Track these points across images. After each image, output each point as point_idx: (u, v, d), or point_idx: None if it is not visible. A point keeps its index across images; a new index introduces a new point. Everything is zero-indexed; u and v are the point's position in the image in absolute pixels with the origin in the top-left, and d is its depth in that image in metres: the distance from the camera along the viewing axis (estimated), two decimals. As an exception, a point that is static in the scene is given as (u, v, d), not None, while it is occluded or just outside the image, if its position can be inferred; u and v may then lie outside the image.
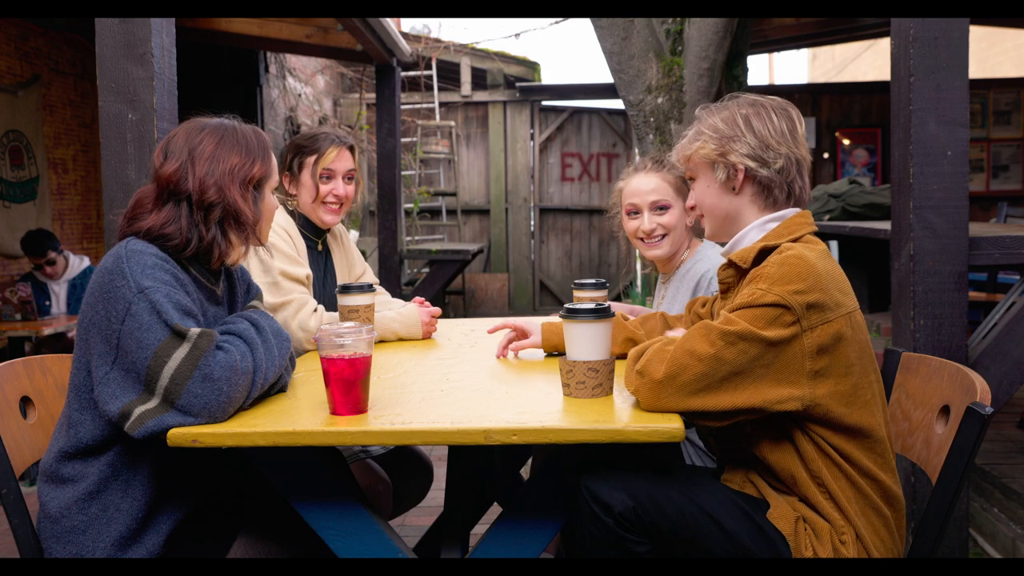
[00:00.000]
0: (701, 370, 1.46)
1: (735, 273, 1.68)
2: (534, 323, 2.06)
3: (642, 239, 2.31)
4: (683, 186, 2.28)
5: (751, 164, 1.64)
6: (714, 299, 1.88)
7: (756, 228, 1.67)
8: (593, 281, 2.30)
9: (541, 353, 2.05)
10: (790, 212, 1.66)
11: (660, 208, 2.28)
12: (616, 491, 1.50)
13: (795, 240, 1.61)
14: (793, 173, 1.66)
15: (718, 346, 1.46)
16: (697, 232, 2.35)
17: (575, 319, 1.57)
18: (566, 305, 1.60)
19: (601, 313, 1.57)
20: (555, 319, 2.02)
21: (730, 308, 1.52)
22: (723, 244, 1.77)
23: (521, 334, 2.05)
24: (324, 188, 2.37)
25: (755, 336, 1.46)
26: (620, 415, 1.48)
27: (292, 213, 2.41)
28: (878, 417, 1.59)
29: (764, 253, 1.60)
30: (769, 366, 1.48)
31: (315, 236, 2.47)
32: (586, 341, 1.57)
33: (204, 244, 1.62)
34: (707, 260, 2.24)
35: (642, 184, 2.29)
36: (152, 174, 1.66)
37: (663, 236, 2.28)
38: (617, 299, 9.03)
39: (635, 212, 2.31)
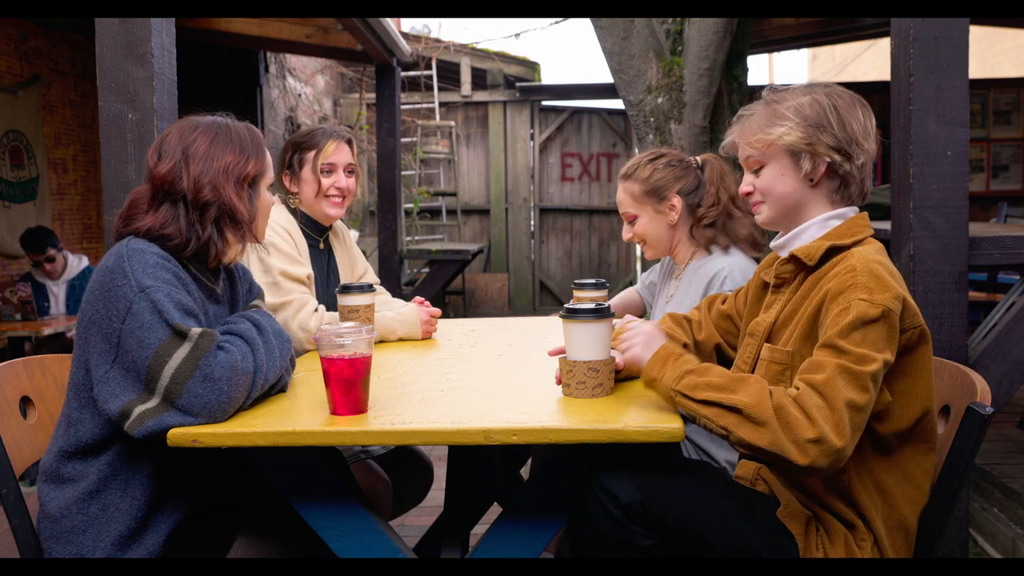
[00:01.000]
0: (863, 419, 1.42)
1: (794, 269, 1.63)
2: None
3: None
4: (643, 195, 2.28)
5: (837, 158, 1.58)
6: (737, 294, 1.84)
7: (817, 225, 1.61)
8: (593, 281, 2.30)
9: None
10: (851, 212, 1.62)
11: (631, 220, 2.34)
12: (625, 483, 1.50)
13: (859, 242, 1.57)
14: (867, 170, 1.61)
15: (871, 391, 1.41)
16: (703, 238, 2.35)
17: (575, 319, 1.57)
18: (566, 305, 1.60)
19: (600, 313, 1.57)
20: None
21: (839, 329, 1.43)
22: (773, 232, 1.72)
23: None
24: (326, 182, 2.38)
25: (887, 364, 1.43)
26: (620, 415, 1.48)
27: (294, 212, 2.41)
28: (937, 423, 1.57)
29: (831, 253, 1.56)
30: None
31: (317, 235, 2.47)
32: (586, 341, 1.57)
33: (201, 243, 1.62)
34: (721, 258, 2.24)
35: (617, 195, 2.38)
36: (147, 174, 1.65)
37: (643, 242, 2.36)
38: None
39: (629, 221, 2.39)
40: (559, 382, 1.63)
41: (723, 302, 1.88)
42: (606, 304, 1.61)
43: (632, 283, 9.96)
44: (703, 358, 1.82)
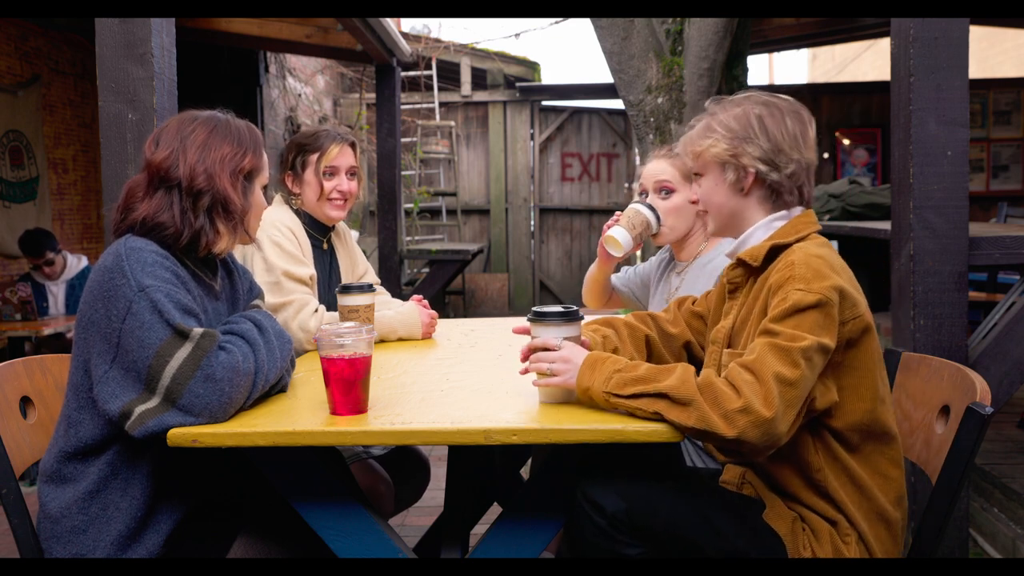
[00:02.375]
0: (795, 394, 1.42)
1: (744, 272, 1.67)
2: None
3: None
4: (692, 173, 2.30)
5: (762, 168, 1.62)
6: (707, 295, 1.86)
7: (763, 227, 1.65)
8: (651, 207, 2.29)
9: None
10: (796, 211, 1.65)
11: (664, 191, 2.31)
12: (609, 493, 1.51)
13: (802, 239, 1.60)
14: (802, 178, 1.64)
15: (801, 366, 1.42)
16: None
17: (543, 322, 1.56)
18: (533, 308, 1.60)
19: (569, 316, 1.56)
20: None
21: (774, 316, 1.47)
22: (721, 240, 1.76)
23: None
24: (328, 185, 2.39)
25: (823, 346, 1.44)
26: (620, 415, 1.48)
27: (298, 212, 2.42)
28: (893, 412, 1.59)
29: (775, 252, 1.59)
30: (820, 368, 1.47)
31: (320, 235, 2.47)
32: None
33: (192, 232, 1.61)
34: None
35: (653, 167, 2.35)
36: (143, 163, 1.65)
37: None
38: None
39: (645, 194, 2.36)
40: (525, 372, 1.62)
41: (693, 302, 1.91)
42: (574, 308, 1.60)
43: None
44: (673, 352, 1.86)
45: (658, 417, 1.44)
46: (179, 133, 1.64)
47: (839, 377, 1.51)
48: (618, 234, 2.31)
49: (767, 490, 1.60)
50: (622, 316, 1.92)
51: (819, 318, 1.45)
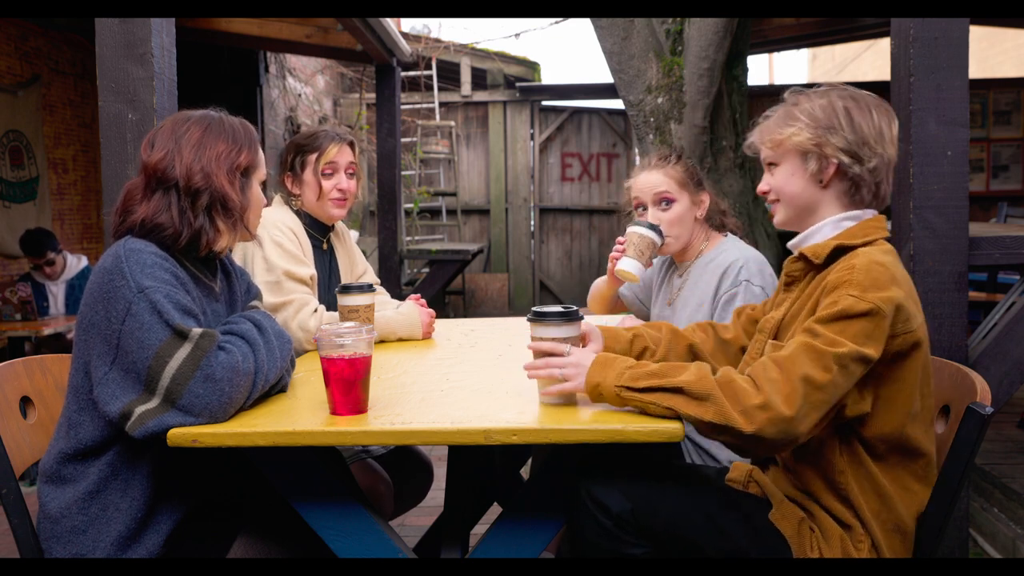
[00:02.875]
0: (822, 398, 1.41)
1: (804, 267, 1.64)
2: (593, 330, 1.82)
3: None
4: (687, 181, 2.30)
5: (845, 160, 1.58)
6: (765, 304, 1.84)
7: (831, 224, 1.62)
8: (650, 224, 2.26)
9: None
10: (867, 214, 1.62)
11: (664, 202, 2.29)
12: (614, 493, 1.50)
13: (869, 243, 1.57)
14: (882, 174, 1.61)
15: (833, 371, 1.41)
16: (714, 225, 2.36)
17: (543, 322, 1.56)
18: (533, 308, 1.60)
19: (569, 316, 1.56)
20: (612, 323, 2.01)
21: (820, 317, 1.45)
22: (791, 233, 1.72)
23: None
24: (328, 184, 2.39)
25: (863, 356, 1.42)
26: (620, 415, 1.48)
27: (298, 213, 2.42)
28: (930, 430, 1.57)
29: (838, 252, 1.57)
30: (859, 376, 1.45)
31: (320, 235, 2.48)
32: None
33: (192, 232, 1.62)
34: (735, 251, 2.24)
35: (647, 180, 2.32)
36: (139, 165, 1.66)
37: (670, 231, 2.29)
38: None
39: (642, 208, 2.33)
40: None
41: (752, 309, 1.89)
42: (574, 308, 1.60)
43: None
44: (728, 358, 1.84)
45: (671, 413, 1.43)
46: (173, 134, 1.64)
47: (877, 387, 1.49)
48: (630, 266, 2.27)
49: (775, 489, 1.60)
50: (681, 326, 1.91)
51: (867, 327, 1.42)
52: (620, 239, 2.36)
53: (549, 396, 1.56)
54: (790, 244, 1.70)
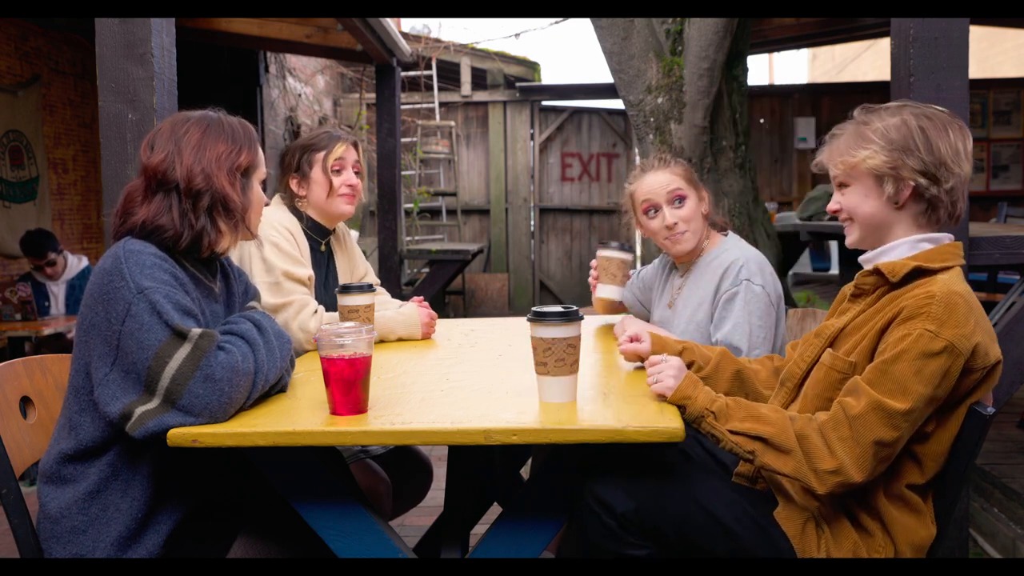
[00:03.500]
0: (889, 453, 1.44)
1: (877, 282, 1.60)
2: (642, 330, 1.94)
3: (667, 237, 2.29)
4: (693, 178, 2.30)
5: (923, 182, 1.54)
6: (831, 313, 1.76)
7: (908, 244, 1.58)
8: (618, 244, 2.31)
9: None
10: (945, 237, 1.58)
11: (678, 200, 2.26)
12: (618, 492, 1.50)
13: (947, 268, 1.54)
14: (959, 193, 1.57)
15: (902, 429, 1.42)
16: (715, 225, 2.36)
17: (543, 323, 1.55)
18: (533, 308, 1.59)
19: (569, 316, 1.55)
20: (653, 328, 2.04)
21: (896, 352, 1.43)
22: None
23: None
24: (337, 180, 2.41)
25: (932, 399, 1.43)
26: (620, 415, 1.48)
27: (300, 215, 2.42)
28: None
29: (916, 274, 1.53)
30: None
31: (320, 237, 2.48)
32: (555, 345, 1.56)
33: (194, 233, 1.62)
34: (735, 250, 2.23)
35: (655, 180, 2.28)
36: (139, 167, 1.66)
37: (684, 230, 2.27)
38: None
39: (654, 210, 2.28)
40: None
41: (816, 335, 1.80)
42: (574, 308, 1.60)
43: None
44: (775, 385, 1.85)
45: (750, 456, 1.50)
46: (173, 135, 1.64)
47: (942, 413, 1.49)
48: (608, 292, 2.38)
49: (781, 486, 1.59)
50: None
51: (941, 366, 1.41)
52: (593, 262, 2.39)
53: (544, 391, 1.57)
54: (862, 259, 1.66)
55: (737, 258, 2.19)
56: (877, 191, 1.58)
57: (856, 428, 1.43)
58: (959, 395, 1.47)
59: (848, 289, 1.68)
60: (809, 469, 1.44)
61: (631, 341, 1.88)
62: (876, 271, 1.59)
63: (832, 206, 1.68)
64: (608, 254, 2.30)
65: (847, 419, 1.44)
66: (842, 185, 1.64)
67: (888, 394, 1.42)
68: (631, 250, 2.28)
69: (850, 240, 1.67)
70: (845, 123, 1.65)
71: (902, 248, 1.58)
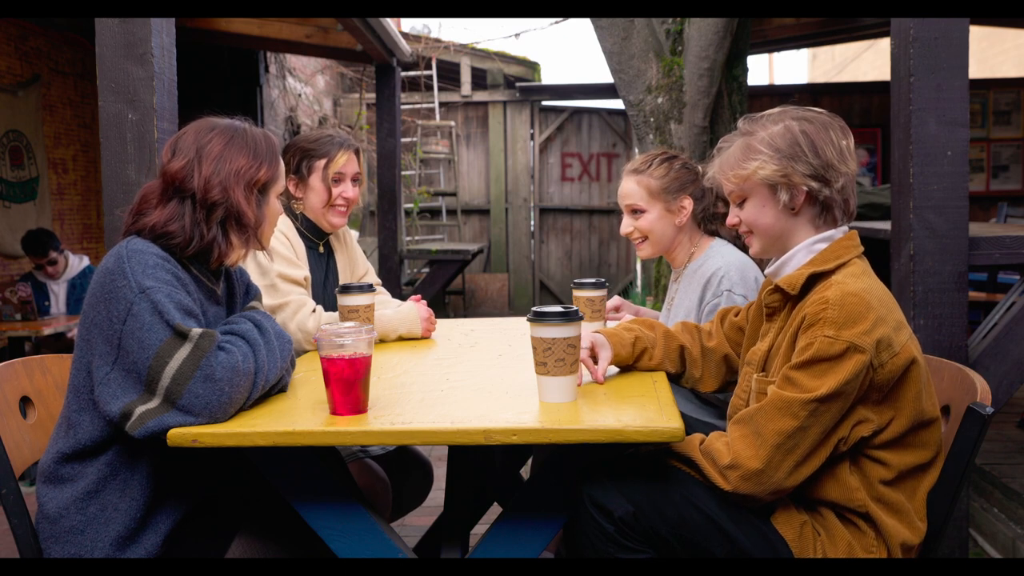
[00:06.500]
0: (794, 443, 1.44)
1: (781, 298, 1.63)
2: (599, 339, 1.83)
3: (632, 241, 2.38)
4: (661, 190, 2.29)
5: (814, 185, 1.57)
6: (749, 307, 1.84)
7: (803, 250, 1.61)
8: (592, 281, 2.31)
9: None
10: (838, 233, 1.61)
11: (634, 212, 2.32)
12: (615, 496, 1.50)
13: (843, 264, 1.56)
14: (849, 190, 1.61)
15: (801, 417, 1.44)
16: (707, 230, 2.36)
17: (543, 323, 1.55)
18: (533, 309, 1.60)
19: (569, 316, 1.55)
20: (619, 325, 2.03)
21: (796, 363, 1.46)
22: (765, 259, 1.73)
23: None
24: (335, 191, 2.38)
25: (835, 393, 1.43)
26: (620, 415, 1.48)
27: (295, 215, 2.41)
28: (937, 436, 1.56)
29: (812, 280, 1.56)
30: (847, 408, 1.46)
31: (317, 238, 2.47)
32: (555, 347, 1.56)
33: (204, 243, 1.62)
34: (718, 258, 2.24)
35: (622, 187, 2.35)
36: (159, 170, 1.66)
37: (643, 239, 2.33)
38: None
39: (621, 213, 2.37)
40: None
41: (736, 315, 1.89)
42: (573, 308, 1.59)
43: (632, 283, 9.97)
44: (711, 365, 1.89)
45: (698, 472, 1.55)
46: (196, 143, 1.63)
47: (879, 406, 1.49)
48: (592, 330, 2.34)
49: None
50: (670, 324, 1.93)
51: (843, 367, 1.43)
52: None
53: (544, 390, 1.57)
54: (767, 272, 1.70)
55: (719, 267, 2.20)
56: (772, 200, 1.61)
57: (756, 421, 1.47)
58: (885, 389, 1.48)
59: (754, 307, 1.76)
60: (713, 471, 1.49)
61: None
62: (777, 288, 1.63)
63: (731, 220, 1.70)
64: (580, 295, 2.29)
65: (747, 418, 1.48)
66: (738, 199, 1.67)
67: (791, 390, 1.46)
68: (604, 285, 2.28)
69: (754, 251, 1.71)
70: (731, 135, 1.68)
71: (799, 256, 1.61)
